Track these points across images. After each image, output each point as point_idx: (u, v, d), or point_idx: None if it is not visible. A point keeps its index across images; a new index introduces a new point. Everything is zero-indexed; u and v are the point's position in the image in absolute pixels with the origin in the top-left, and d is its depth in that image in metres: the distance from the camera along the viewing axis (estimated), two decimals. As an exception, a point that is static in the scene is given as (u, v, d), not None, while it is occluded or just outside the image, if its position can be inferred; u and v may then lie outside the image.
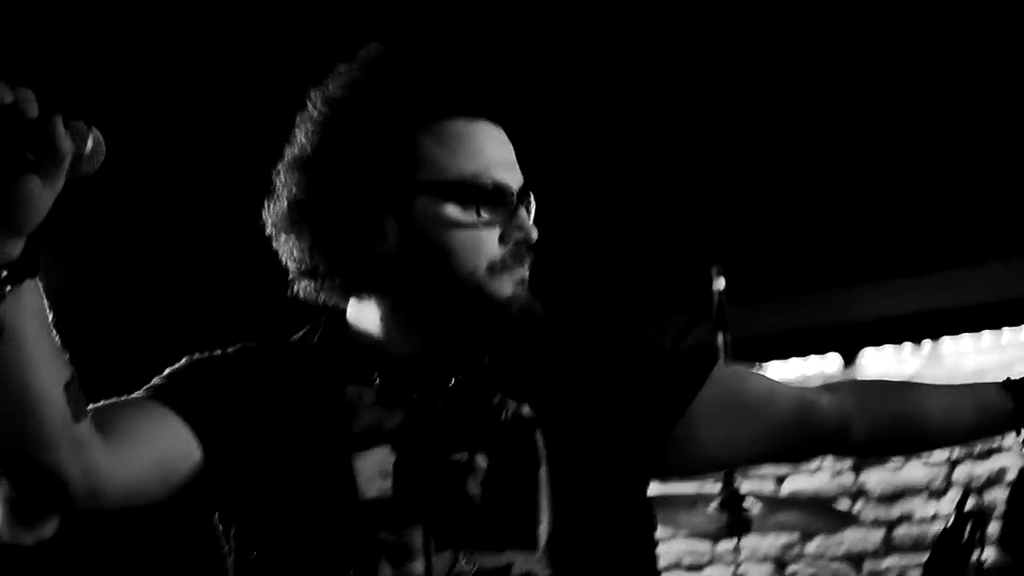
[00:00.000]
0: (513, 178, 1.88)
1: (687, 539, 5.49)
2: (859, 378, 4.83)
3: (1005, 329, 5.21)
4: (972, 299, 5.12)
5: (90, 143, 1.50)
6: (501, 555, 1.81)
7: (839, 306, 5.30)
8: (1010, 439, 2.74)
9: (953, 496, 5.09)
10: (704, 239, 4.78)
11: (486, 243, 1.85)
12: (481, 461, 1.84)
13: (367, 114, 1.85)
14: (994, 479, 5.12)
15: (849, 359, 5.41)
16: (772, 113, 4.62)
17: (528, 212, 1.88)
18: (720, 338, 3.79)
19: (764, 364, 5.25)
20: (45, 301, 1.57)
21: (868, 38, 4.35)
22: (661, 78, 4.51)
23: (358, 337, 1.91)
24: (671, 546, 5.47)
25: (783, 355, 5.38)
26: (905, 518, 5.29)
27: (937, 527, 4.60)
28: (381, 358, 1.89)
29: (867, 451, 2.12)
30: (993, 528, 3.48)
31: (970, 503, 2.58)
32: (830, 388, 2.04)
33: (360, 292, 1.90)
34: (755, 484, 5.33)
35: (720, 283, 3.82)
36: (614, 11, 4.27)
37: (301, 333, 1.98)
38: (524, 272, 1.88)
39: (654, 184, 4.86)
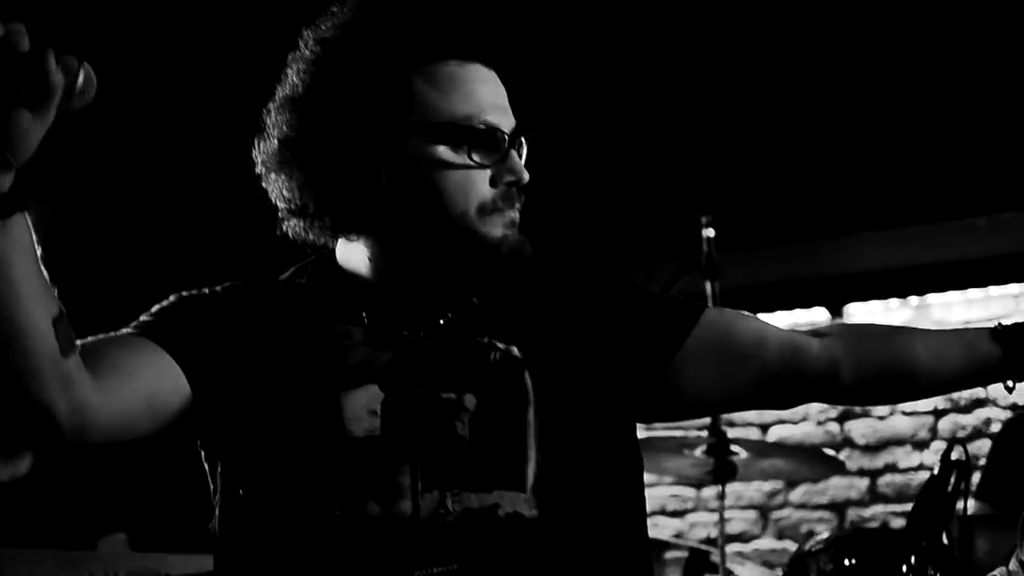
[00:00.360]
0: (505, 121, 1.88)
1: (671, 485, 5.52)
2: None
3: (991, 287, 5.22)
4: (959, 254, 5.12)
5: (81, 78, 1.50)
6: (489, 495, 1.81)
7: (827, 258, 5.30)
8: (995, 389, 2.75)
9: (937, 447, 5.12)
10: (694, 188, 4.78)
11: (477, 185, 1.85)
12: (470, 401, 1.84)
13: (360, 54, 1.85)
14: (980, 431, 5.15)
15: (835, 312, 5.42)
16: (762, 63, 4.61)
17: (520, 155, 1.89)
18: (709, 287, 3.80)
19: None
20: (34, 236, 1.57)
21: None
22: (653, 28, 4.50)
23: (347, 276, 1.91)
24: (655, 491, 5.50)
25: (769, 307, 5.38)
26: (890, 468, 5.32)
27: (921, 477, 4.63)
28: (370, 297, 1.88)
29: (855, 397, 2.10)
30: (976, 479, 3.50)
31: (955, 454, 2.60)
32: (820, 332, 2.03)
33: (350, 232, 1.89)
34: (741, 431, 5.36)
35: (710, 232, 3.83)
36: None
37: (290, 272, 1.98)
38: (515, 214, 1.88)
39: (646, 132, 4.85)
